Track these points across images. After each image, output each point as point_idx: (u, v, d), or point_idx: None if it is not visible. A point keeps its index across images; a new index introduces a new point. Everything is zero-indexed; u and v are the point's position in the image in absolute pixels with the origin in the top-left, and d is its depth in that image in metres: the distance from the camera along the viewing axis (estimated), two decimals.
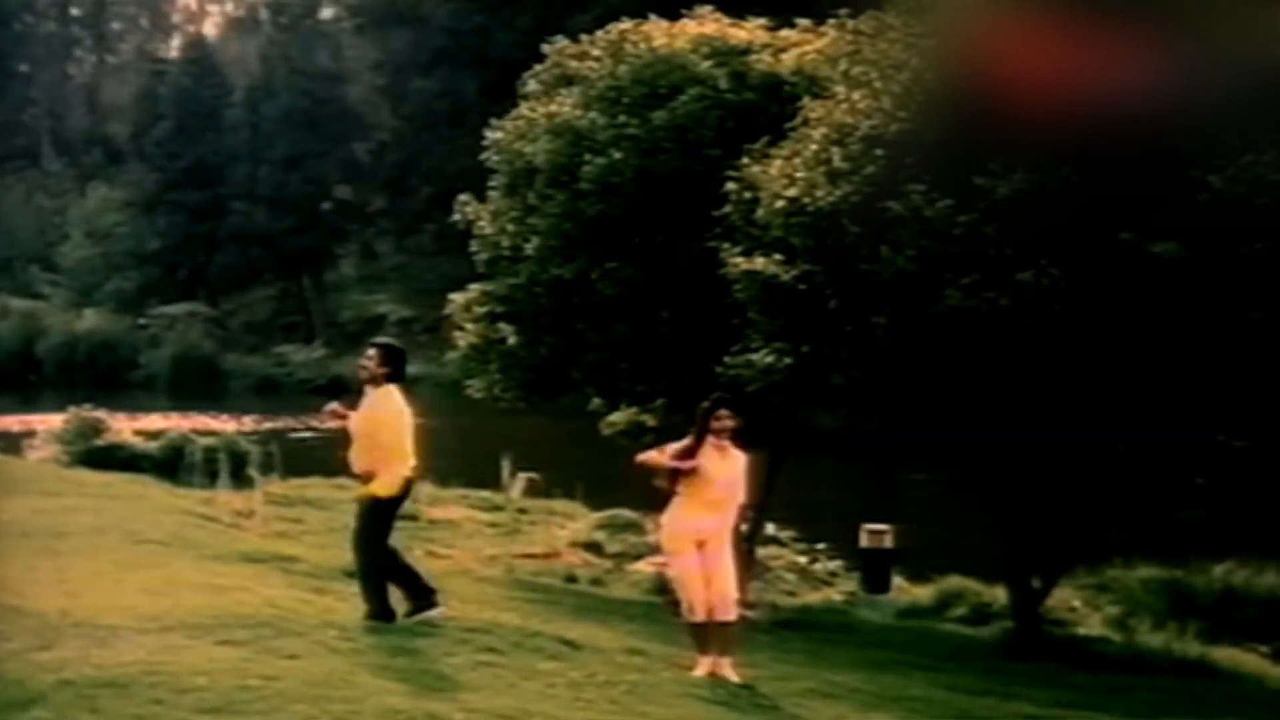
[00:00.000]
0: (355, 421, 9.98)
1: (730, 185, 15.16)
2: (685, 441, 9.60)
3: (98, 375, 70.91)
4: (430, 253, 72.62)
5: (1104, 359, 12.35)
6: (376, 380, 9.90)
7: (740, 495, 9.76)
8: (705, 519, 9.53)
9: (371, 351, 9.96)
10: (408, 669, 8.88)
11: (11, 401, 51.02)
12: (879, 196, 13.18)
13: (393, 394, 9.93)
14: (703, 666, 9.84)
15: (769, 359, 13.97)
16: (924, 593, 19.18)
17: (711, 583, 9.52)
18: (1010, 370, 12.77)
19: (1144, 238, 11.82)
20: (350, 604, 11.08)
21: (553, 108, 17.79)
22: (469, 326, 18.58)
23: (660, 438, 18.73)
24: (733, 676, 9.80)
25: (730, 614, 9.69)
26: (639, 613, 15.03)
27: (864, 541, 17.96)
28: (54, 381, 71.23)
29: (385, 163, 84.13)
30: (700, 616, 9.65)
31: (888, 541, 17.81)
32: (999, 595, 18.26)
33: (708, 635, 9.76)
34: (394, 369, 9.95)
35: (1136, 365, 12.24)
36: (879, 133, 13.54)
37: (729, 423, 9.47)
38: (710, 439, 9.48)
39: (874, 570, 17.97)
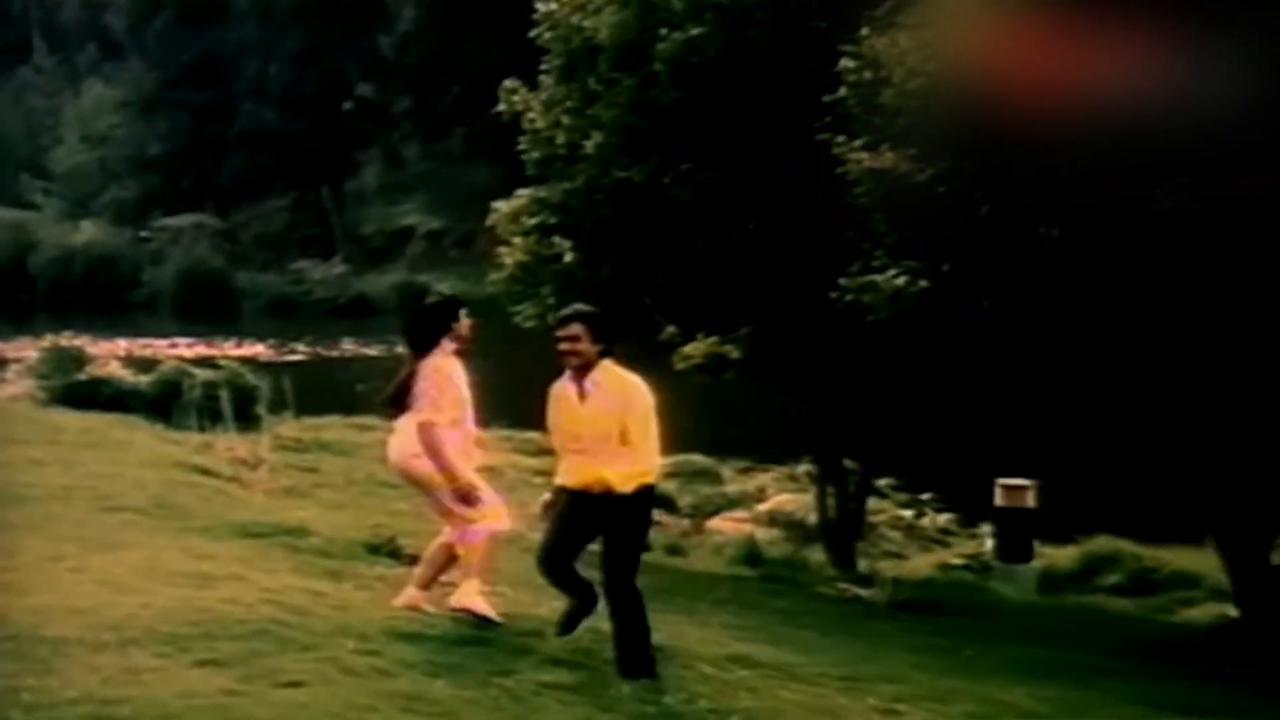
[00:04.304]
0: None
1: (845, 63, 13.84)
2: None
3: (95, 293, 71.31)
4: (461, 158, 72.04)
5: None
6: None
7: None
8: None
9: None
10: (448, 699, 7.29)
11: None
12: None
13: None
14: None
15: (899, 281, 12.60)
16: (1064, 556, 17.79)
17: None
18: (1234, 288, 11.07)
19: None
20: (374, 594, 9.51)
21: None
22: (516, 241, 17.33)
23: (744, 372, 17.36)
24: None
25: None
26: (729, 595, 13.47)
27: (999, 499, 16.31)
28: (48, 301, 71.13)
29: (410, 58, 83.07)
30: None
31: (1030, 500, 16.10)
32: (1163, 558, 17.04)
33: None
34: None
35: None
36: None
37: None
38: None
39: (1012, 535, 16.34)
